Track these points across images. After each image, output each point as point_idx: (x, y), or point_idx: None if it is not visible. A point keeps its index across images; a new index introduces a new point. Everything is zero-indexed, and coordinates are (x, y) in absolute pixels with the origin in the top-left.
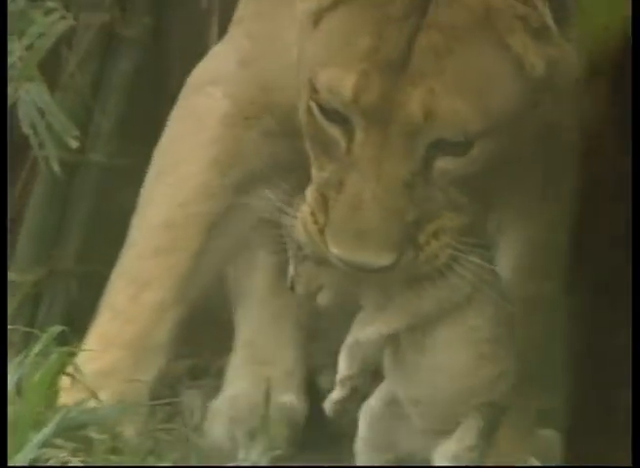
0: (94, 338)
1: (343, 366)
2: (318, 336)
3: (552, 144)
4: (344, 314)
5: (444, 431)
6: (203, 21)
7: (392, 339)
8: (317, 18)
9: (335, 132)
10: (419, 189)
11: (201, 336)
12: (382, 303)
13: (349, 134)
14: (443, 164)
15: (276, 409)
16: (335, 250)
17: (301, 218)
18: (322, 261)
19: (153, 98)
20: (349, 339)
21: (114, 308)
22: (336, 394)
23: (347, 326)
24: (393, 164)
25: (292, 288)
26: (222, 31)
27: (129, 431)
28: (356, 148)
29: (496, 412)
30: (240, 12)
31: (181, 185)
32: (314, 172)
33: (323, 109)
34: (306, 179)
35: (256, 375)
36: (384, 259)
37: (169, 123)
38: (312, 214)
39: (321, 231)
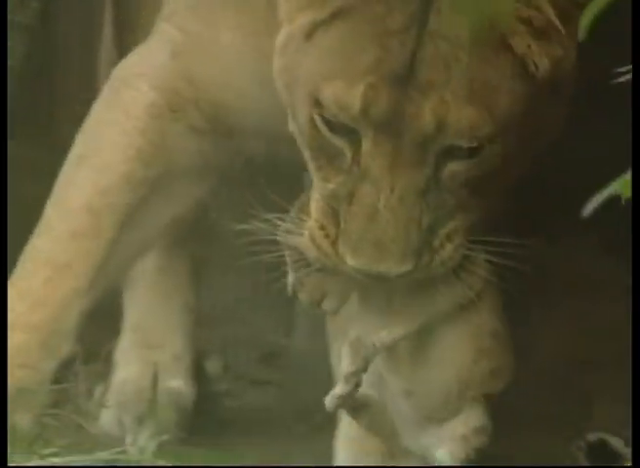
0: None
1: (348, 362)
2: (206, 321)
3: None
4: (237, 303)
5: (436, 419)
6: (92, 6)
7: None
8: (310, 31)
9: (339, 143)
10: (431, 195)
11: (90, 320)
12: (393, 306)
13: (355, 145)
14: (453, 168)
15: (164, 393)
16: (353, 262)
17: (310, 234)
18: (327, 270)
19: (42, 83)
20: (351, 336)
21: (23, 290)
22: (340, 389)
23: (237, 311)
24: (406, 173)
25: (294, 295)
26: (114, 17)
27: (16, 417)
28: (365, 159)
29: (491, 405)
30: (169, 8)
31: (104, 172)
32: (318, 183)
33: (327, 122)
34: (238, 179)
35: (144, 360)
36: (403, 268)
37: (93, 110)
38: (322, 227)
39: (333, 244)
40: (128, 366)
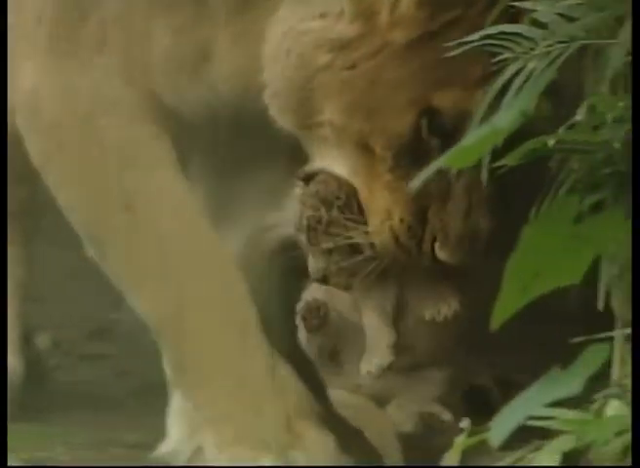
0: None
1: (388, 334)
2: (35, 297)
3: None
4: (66, 278)
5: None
6: None
7: None
8: (414, 42)
9: (435, 143)
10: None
11: None
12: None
13: (449, 144)
14: None
15: None
16: (449, 258)
17: (393, 233)
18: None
19: None
20: (386, 308)
21: None
22: (384, 360)
23: (66, 286)
24: (490, 167)
25: (324, 281)
26: None
27: None
28: None
29: None
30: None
31: None
32: (392, 183)
33: (430, 125)
34: None
35: None
36: (488, 256)
37: None
38: (410, 228)
39: (419, 242)
40: None
